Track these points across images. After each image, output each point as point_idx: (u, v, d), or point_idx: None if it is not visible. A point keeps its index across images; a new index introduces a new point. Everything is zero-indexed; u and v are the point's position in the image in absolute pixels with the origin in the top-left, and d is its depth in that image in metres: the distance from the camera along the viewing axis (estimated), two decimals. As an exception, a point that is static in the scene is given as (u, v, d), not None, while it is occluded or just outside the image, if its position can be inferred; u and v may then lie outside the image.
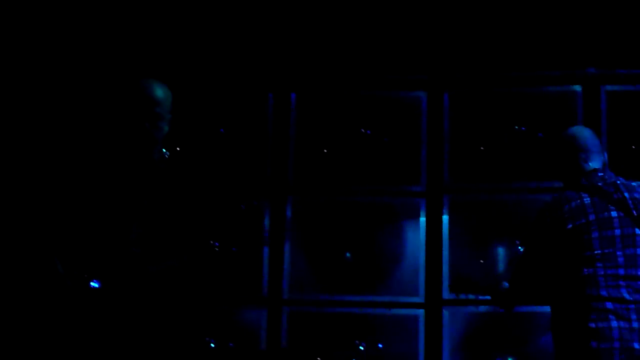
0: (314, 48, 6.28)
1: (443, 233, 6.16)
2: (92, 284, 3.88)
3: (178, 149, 5.87)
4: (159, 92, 4.09)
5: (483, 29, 6.13)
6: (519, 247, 6.01)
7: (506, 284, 4.23)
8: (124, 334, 3.91)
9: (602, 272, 3.79)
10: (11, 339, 5.57)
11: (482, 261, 6.14)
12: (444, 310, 6.07)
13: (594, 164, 4.06)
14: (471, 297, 4.46)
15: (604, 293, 3.76)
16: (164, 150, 4.17)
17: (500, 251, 6.17)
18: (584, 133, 4.18)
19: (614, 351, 3.68)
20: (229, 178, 6.35)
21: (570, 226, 3.87)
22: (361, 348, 6.13)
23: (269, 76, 6.40)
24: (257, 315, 6.28)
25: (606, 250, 3.81)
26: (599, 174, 4.01)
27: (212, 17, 6.26)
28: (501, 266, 6.13)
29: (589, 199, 3.91)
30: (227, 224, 6.15)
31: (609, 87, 6.14)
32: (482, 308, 6.02)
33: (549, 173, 6.01)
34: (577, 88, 6.19)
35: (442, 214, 6.19)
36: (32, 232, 4.29)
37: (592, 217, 3.86)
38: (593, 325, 3.73)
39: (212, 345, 6.18)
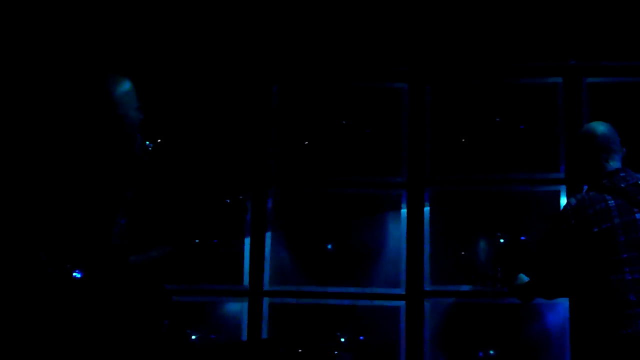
0: (296, 40, 6.26)
1: (424, 225, 6.17)
2: (74, 274, 3.87)
3: (159, 140, 5.84)
4: (117, 91, 3.93)
5: (464, 21, 6.13)
6: (525, 241, 6.02)
7: (525, 277, 4.22)
8: (105, 324, 3.91)
9: (630, 277, 3.78)
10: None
11: (463, 253, 6.15)
12: (425, 302, 6.08)
13: (615, 163, 4.04)
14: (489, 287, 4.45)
15: (632, 297, 3.76)
16: (147, 142, 4.15)
17: (482, 243, 6.18)
18: (604, 131, 4.11)
19: None
20: (211, 170, 6.33)
21: (595, 230, 3.86)
22: (342, 340, 6.13)
23: (251, 68, 6.38)
24: (238, 307, 6.27)
25: (632, 254, 3.81)
26: (621, 174, 3.99)
27: (193, 9, 6.22)
28: (483, 258, 6.15)
29: (613, 201, 3.90)
30: (209, 215, 6.14)
31: (590, 79, 6.16)
32: (463, 299, 6.07)
33: (532, 165, 6.14)
34: (558, 80, 6.20)
35: (423, 205, 6.19)
36: (16, 223, 4.27)
37: (617, 221, 3.85)
38: (624, 331, 3.72)
39: (193, 337, 6.16)
